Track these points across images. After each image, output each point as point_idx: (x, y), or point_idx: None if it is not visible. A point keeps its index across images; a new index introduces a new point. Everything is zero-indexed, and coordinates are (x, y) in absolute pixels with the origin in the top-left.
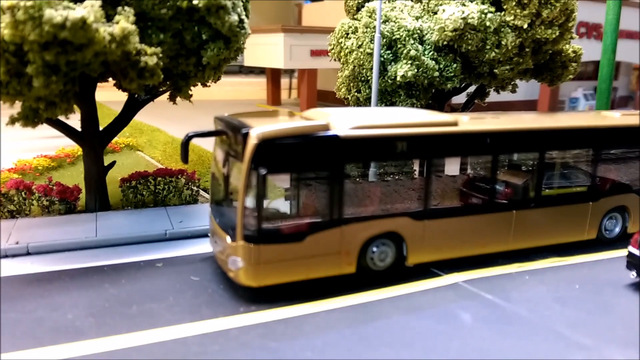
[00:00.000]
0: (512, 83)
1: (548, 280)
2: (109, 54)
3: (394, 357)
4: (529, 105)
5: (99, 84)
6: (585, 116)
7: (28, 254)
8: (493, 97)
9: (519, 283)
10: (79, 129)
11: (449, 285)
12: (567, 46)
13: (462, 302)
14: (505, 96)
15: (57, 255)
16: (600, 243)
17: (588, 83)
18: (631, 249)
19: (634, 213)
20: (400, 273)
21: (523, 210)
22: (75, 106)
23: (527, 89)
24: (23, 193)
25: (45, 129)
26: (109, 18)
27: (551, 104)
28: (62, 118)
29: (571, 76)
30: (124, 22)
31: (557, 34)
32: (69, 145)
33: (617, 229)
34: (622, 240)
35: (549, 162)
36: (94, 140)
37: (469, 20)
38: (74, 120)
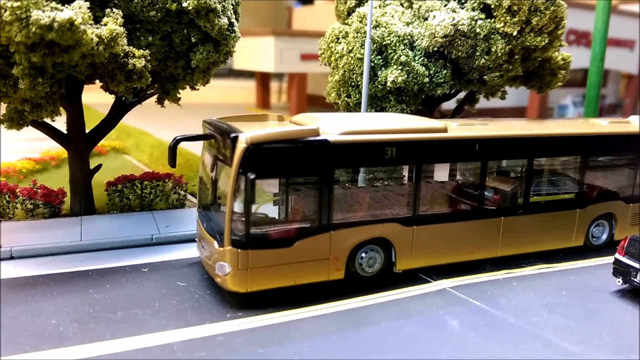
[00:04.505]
0: (502, 90)
1: (536, 287)
2: (96, 56)
3: None
4: (518, 112)
5: (85, 86)
6: (573, 123)
7: (11, 258)
8: (482, 103)
9: (506, 289)
10: (65, 132)
11: (437, 291)
12: (557, 53)
13: (450, 308)
14: (494, 103)
15: (41, 259)
16: (588, 250)
17: (577, 90)
18: (618, 256)
19: (621, 220)
20: (388, 279)
21: (511, 216)
22: (61, 108)
23: (516, 95)
24: (7, 196)
25: (30, 131)
26: (97, 20)
27: (540, 111)
28: (47, 120)
29: (560, 83)
30: (112, 23)
31: (547, 41)
32: (54, 148)
33: (604, 236)
34: (608, 247)
35: (537, 169)
36: (80, 143)
37: (459, 27)
38: (60, 123)
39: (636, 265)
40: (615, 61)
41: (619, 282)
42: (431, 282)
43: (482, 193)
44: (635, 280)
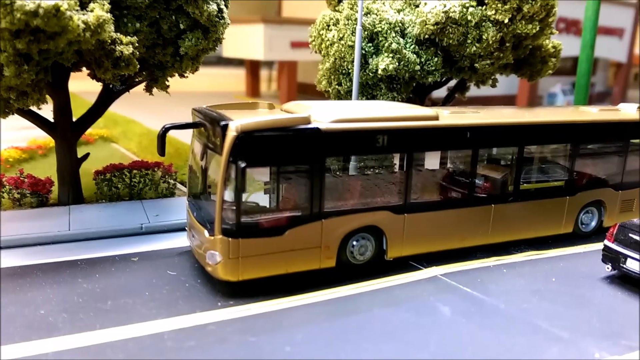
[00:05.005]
0: (493, 78)
1: (525, 274)
2: (83, 43)
3: (374, 351)
4: (508, 100)
5: (72, 74)
6: (563, 111)
7: None
8: (473, 91)
9: (497, 276)
10: (52, 120)
11: (428, 278)
12: (547, 41)
13: (441, 295)
14: (485, 91)
15: (28, 249)
16: (577, 237)
17: (566, 79)
18: (607, 242)
19: (610, 207)
20: (379, 267)
21: (501, 204)
22: (47, 96)
23: (506, 84)
24: None
25: (16, 120)
26: (83, 6)
27: (530, 99)
28: (34, 108)
29: (550, 71)
30: (99, 10)
31: (538, 29)
32: (41, 137)
33: (593, 223)
34: (597, 234)
35: (527, 157)
36: (67, 132)
37: (451, 14)
38: (47, 111)
39: (625, 251)
40: (605, 49)
41: (608, 268)
42: (422, 269)
43: (473, 181)
44: (624, 266)
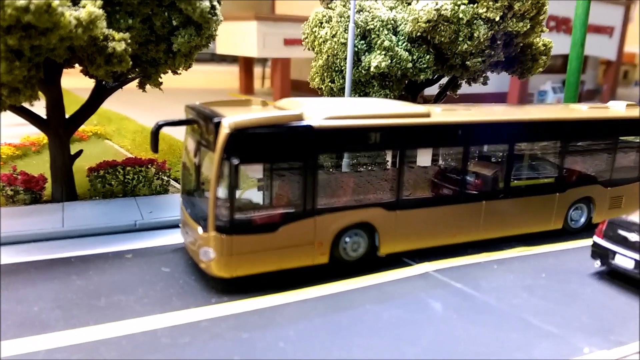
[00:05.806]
0: (484, 75)
1: (516, 270)
2: (75, 39)
3: (366, 347)
4: (499, 98)
5: (64, 70)
6: (554, 109)
7: None
8: (464, 89)
9: (487, 272)
10: (44, 117)
11: (419, 274)
12: (538, 39)
13: (433, 291)
14: (476, 88)
15: (22, 246)
16: (566, 233)
17: (556, 76)
18: (596, 238)
19: (599, 204)
20: (372, 263)
21: (492, 200)
22: (40, 93)
23: (497, 81)
24: None
25: (9, 116)
26: (75, 1)
27: (520, 97)
28: (26, 105)
29: (541, 69)
30: (91, 6)
31: (528, 27)
32: (34, 133)
33: (583, 219)
34: (587, 230)
35: (518, 154)
36: (60, 128)
37: (443, 12)
38: (39, 108)
39: (614, 248)
40: (595, 47)
41: (597, 264)
42: (414, 265)
43: (464, 178)
44: (613, 262)
